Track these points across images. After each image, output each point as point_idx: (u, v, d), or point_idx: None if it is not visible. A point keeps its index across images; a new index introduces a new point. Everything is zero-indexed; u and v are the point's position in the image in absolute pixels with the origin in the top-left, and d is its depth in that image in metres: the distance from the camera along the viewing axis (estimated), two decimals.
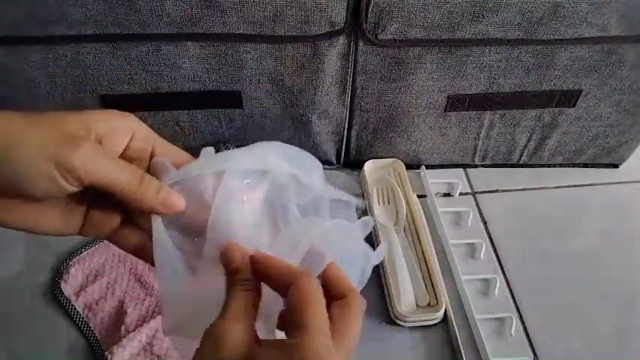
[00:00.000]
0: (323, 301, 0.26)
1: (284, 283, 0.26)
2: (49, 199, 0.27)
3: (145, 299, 0.56)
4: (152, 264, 0.28)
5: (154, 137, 0.29)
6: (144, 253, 0.30)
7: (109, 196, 0.27)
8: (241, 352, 0.24)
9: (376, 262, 0.33)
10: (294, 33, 0.54)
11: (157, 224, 0.28)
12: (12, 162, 0.23)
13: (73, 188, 0.25)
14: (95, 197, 0.29)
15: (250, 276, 0.27)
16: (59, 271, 0.58)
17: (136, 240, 0.30)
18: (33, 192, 0.25)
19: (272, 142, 0.32)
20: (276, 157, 0.31)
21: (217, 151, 0.62)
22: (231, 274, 0.27)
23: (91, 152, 0.25)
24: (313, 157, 0.33)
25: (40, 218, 0.27)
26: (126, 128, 0.28)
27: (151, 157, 0.29)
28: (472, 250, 0.64)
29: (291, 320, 0.25)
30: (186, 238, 0.30)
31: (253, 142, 0.75)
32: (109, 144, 0.27)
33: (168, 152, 0.30)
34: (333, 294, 0.28)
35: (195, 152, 0.69)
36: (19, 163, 0.23)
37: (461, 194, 0.71)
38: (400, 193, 0.67)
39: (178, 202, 0.28)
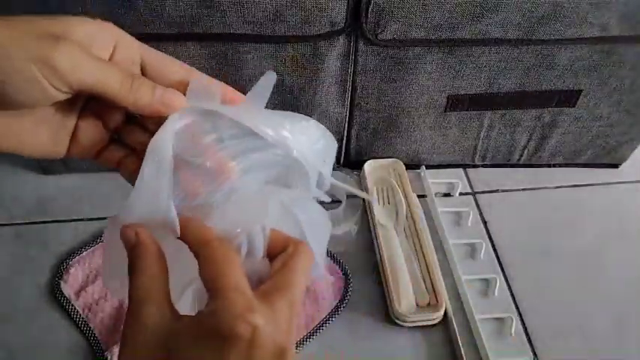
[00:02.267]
0: (234, 260, 0.25)
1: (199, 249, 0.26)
2: (34, 112, 0.25)
3: None
4: (132, 181, 0.26)
5: (142, 47, 0.26)
6: (125, 166, 0.28)
7: (97, 109, 0.26)
8: (158, 333, 0.23)
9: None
10: (294, 33, 0.54)
11: (164, 131, 0.25)
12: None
13: (58, 93, 0.23)
14: (83, 113, 0.27)
15: (151, 252, 0.26)
16: (59, 271, 0.58)
17: (121, 154, 0.29)
18: (15, 97, 0.23)
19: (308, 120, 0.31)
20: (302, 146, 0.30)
21: None
22: (132, 254, 0.26)
23: (75, 50, 0.23)
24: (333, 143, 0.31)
25: (25, 136, 0.25)
26: (107, 37, 0.25)
27: (142, 68, 0.27)
28: (472, 250, 0.64)
29: (206, 289, 0.24)
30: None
31: None
32: (93, 50, 0.24)
33: (160, 62, 0.27)
34: (275, 251, 0.27)
35: None
36: (4, 66, 0.22)
37: (461, 194, 0.71)
38: (400, 193, 0.67)
39: (178, 99, 0.26)
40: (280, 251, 0.27)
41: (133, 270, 0.25)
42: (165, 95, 0.26)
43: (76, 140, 0.28)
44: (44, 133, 0.26)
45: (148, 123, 0.28)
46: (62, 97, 0.24)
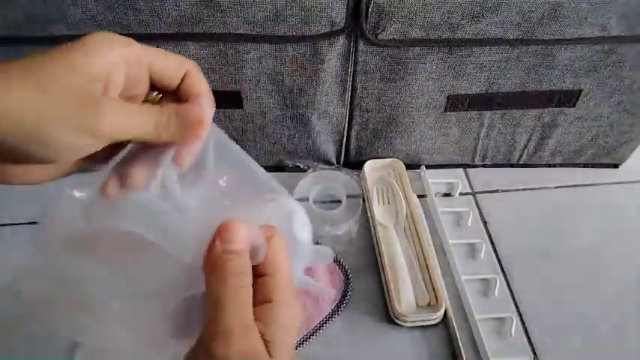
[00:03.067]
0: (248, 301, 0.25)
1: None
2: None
3: None
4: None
5: (147, 55, 0.26)
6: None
7: None
8: None
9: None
10: (294, 33, 0.54)
11: None
12: (44, 142, 0.23)
13: (94, 149, 0.25)
14: None
15: (249, 264, 0.26)
16: None
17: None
18: (68, 158, 0.24)
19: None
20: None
21: None
22: (222, 262, 0.25)
23: (115, 112, 0.24)
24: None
25: (34, 173, 0.26)
26: (120, 58, 0.25)
27: (151, 76, 0.27)
28: (472, 250, 0.64)
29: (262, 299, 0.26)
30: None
31: (253, 141, 0.76)
32: (114, 82, 0.25)
33: (162, 68, 0.27)
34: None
35: None
36: (51, 142, 0.23)
37: (461, 194, 0.71)
38: (400, 193, 0.67)
39: (203, 121, 0.27)
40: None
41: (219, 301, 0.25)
42: (190, 115, 0.27)
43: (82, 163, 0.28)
44: (54, 167, 0.27)
45: None
46: (100, 148, 0.25)
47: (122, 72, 0.25)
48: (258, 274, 0.27)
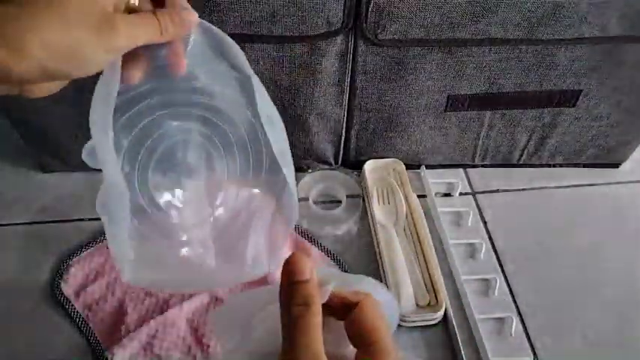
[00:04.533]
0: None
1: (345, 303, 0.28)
2: None
3: (145, 299, 0.56)
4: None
5: None
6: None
7: None
8: None
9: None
10: (291, 33, 0.54)
11: None
12: (81, 60, 0.28)
13: (117, 57, 0.30)
14: None
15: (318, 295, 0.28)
16: (59, 271, 0.58)
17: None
18: (94, 72, 0.30)
19: None
20: None
21: None
22: (296, 293, 0.27)
23: (126, 30, 0.29)
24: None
25: (57, 84, 0.32)
26: None
27: None
28: (472, 250, 0.64)
29: (359, 334, 0.27)
30: None
31: None
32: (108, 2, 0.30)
33: None
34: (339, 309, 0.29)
35: None
36: (86, 60, 0.28)
37: (461, 194, 0.71)
38: (400, 193, 0.67)
39: (193, 17, 0.33)
40: (342, 307, 0.29)
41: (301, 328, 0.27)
42: (184, 18, 0.32)
43: None
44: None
45: None
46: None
47: None
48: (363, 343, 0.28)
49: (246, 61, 0.34)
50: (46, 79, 0.28)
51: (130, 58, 0.31)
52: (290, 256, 0.28)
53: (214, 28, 0.34)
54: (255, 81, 0.34)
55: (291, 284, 0.27)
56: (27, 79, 0.27)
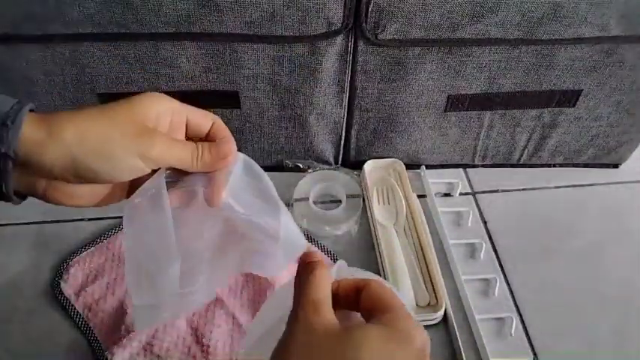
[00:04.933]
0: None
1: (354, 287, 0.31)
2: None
3: None
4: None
5: (186, 109, 0.34)
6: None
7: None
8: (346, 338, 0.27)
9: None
10: (292, 33, 0.54)
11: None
12: (109, 158, 0.30)
13: (146, 171, 0.31)
14: None
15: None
16: (59, 271, 0.58)
17: None
18: (122, 178, 0.31)
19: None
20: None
21: None
22: (309, 264, 0.31)
23: (163, 143, 0.31)
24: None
25: (88, 196, 0.33)
26: (167, 109, 0.33)
27: (186, 124, 0.34)
28: (472, 250, 0.64)
29: (373, 307, 0.29)
30: None
31: (251, 141, 0.76)
32: (160, 126, 0.32)
33: (196, 119, 0.34)
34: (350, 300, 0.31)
35: None
36: (115, 159, 0.30)
37: (461, 194, 0.71)
38: (400, 193, 0.66)
39: (229, 151, 0.34)
40: (353, 292, 0.31)
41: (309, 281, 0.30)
42: (220, 150, 0.34)
43: (128, 191, 0.34)
44: (105, 191, 0.33)
45: None
46: (147, 172, 0.32)
47: (167, 119, 0.33)
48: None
49: (281, 202, 0.35)
50: (74, 175, 0.29)
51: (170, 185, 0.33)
52: (304, 253, 0.32)
53: (254, 164, 0.35)
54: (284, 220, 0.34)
55: (305, 265, 0.31)
56: (57, 167, 0.29)
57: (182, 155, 0.32)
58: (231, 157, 0.34)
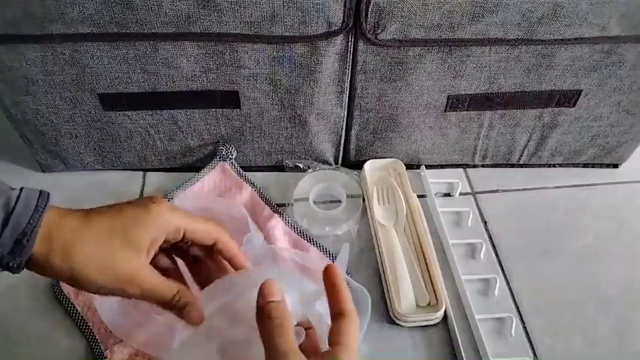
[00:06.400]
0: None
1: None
2: None
3: None
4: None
5: (185, 221, 0.38)
6: None
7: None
8: None
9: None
10: (292, 33, 0.54)
11: None
12: (108, 283, 0.34)
13: (129, 297, 0.36)
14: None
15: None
16: None
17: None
18: (105, 292, 0.35)
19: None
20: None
21: (216, 152, 0.66)
22: (267, 310, 0.33)
23: (149, 280, 0.36)
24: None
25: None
26: (164, 224, 0.36)
27: (184, 235, 0.38)
28: (472, 250, 0.64)
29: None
30: None
31: (251, 141, 0.76)
32: (157, 239, 0.36)
33: (195, 231, 0.38)
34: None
35: (193, 151, 0.69)
36: (110, 283, 0.34)
37: (461, 194, 0.71)
38: (400, 193, 0.66)
39: (196, 315, 0.37)
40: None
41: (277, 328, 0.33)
42: (193, 313, 0.38)
43: None
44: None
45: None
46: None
47: (164, 233, 0.37)
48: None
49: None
50: (75, 285, 0.34)
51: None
52: (264, 282, 0.34)
53: None
54: None
55: (267, 303, 0.33)
56: (61, 278, 0.33)
57: (163, 294, 0.37)
58: (198, 322, 0.38)
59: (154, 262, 0.38)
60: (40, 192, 0.33)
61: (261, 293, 0.33)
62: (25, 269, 0.34)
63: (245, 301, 0.36)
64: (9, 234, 0.30)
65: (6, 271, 0.32)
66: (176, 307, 0.37)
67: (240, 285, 0.38)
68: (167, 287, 0.37)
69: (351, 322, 0.34)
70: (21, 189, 0.32)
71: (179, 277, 0.41)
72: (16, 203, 0.30)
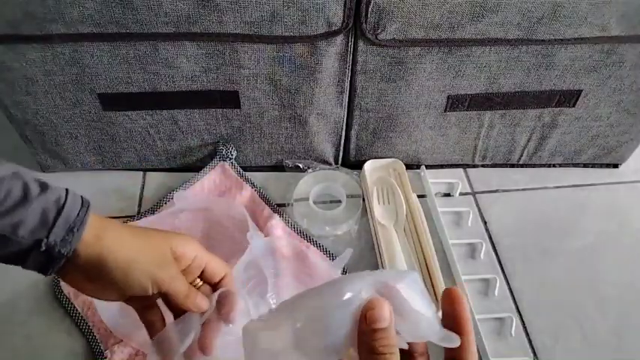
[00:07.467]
0: None
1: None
2: None
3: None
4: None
5: (208, 257, 0.41)
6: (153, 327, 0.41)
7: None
8: None
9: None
10: (292, 33, 0.54)
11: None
12: (130, 276, 0.36)
13: (151, 292, 0.38)
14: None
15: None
16: None
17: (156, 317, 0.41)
18: (130, 293, 0.37)
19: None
20: None
21: (216, 152, 0.66)
22: (371, 340, 0.27)
23: (172, 277, 0.38)
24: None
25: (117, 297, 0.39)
26: (193, 250, 0.40)
27: (203, 269, 0.41)
28: (472, 250, 0.64)
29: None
30: None
31: (251, 141, 0.76)
32: (182, 263, 0.39)
33: (212, 266, 0.41)
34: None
35: (193, 151, 0.68)
36: (134, 278, 0.36)
37: (461, 194, 0.71)
38: (400, 193, 0.66)
39: (201, 304, 0.40)
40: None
41: None
42: (195, 302, 0.40)
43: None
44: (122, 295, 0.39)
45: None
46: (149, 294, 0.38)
47: (190, 258, 0.40)
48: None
49: None
50: (102, 282, 0.36)
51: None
52: (370, 301, 0.28)
53: None
54: None
55: (373, 330, 0.27)
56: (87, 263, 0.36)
57: (179, 289, 0.39)
58: (202, 309, 0.40)
59: (143, 316, 0.41)
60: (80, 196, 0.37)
61: (365, 315, 0.27)
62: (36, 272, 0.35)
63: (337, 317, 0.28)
64: (62, 223, 0.34)
65: (39, 273, 0.34)
66: (190, 304, 0.39)
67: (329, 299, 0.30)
68: (184, 286, 0.39)
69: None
70: (66, 189, 0.36)
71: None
72: (65, 199, 0.35)
